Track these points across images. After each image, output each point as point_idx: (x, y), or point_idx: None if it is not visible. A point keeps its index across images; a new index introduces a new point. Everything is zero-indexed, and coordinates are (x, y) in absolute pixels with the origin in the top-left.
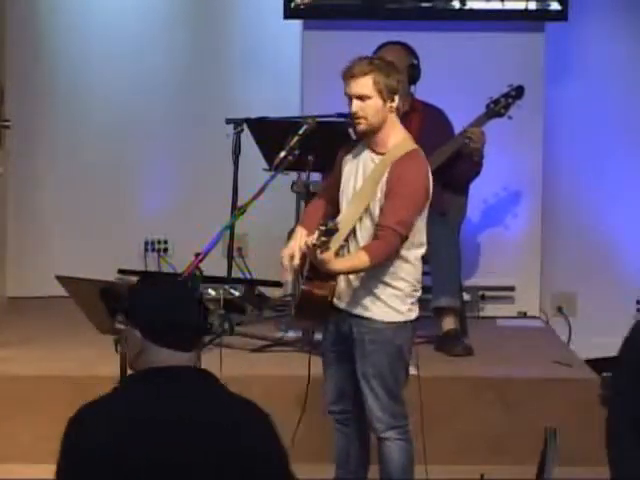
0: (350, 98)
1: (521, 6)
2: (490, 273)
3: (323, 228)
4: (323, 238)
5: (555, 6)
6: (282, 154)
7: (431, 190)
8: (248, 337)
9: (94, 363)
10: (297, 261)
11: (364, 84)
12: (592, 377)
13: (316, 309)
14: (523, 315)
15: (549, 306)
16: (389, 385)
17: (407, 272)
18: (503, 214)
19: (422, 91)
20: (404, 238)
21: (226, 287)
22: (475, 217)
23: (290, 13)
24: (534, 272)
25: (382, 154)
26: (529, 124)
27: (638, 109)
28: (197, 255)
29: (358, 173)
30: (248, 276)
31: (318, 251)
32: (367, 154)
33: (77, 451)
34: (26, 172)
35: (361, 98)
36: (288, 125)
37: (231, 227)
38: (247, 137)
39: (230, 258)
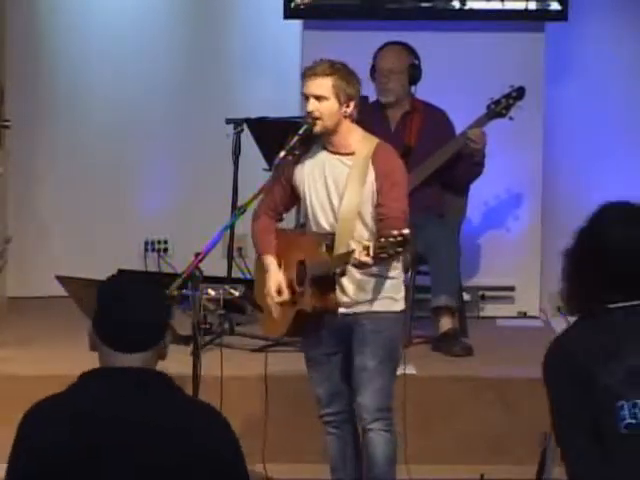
0: (307, 97)
1: (521, 6)
2: (490, 273)
3: (398, 239)
4: (398, 249)
5: (555, 6)
6: (282, 154)
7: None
8: (248, 337)
9: (94, 363)
10: (286, 295)
11: (323, 85)
12: None
13: (318, 321)
14: (523, 315)
15: (549, 306)
16: (385, 376)
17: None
18: (503, 214)
19: (422, 91)
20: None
21: (226, 287)
22: (475, 217)
23: (290, 13)
24: (534, 272)
25: (349, 154)
26: (529, 124)
27: (638, 109)
28: (197, 255)
29: (328, 181)
30: (248, 276)
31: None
32: (331, 158)
33: (33, 447)
34: (26, 172)
35: (318, 98)
36: (288, 125)
37: (231, 227)
38: (247, 137)
39: (230, 258)
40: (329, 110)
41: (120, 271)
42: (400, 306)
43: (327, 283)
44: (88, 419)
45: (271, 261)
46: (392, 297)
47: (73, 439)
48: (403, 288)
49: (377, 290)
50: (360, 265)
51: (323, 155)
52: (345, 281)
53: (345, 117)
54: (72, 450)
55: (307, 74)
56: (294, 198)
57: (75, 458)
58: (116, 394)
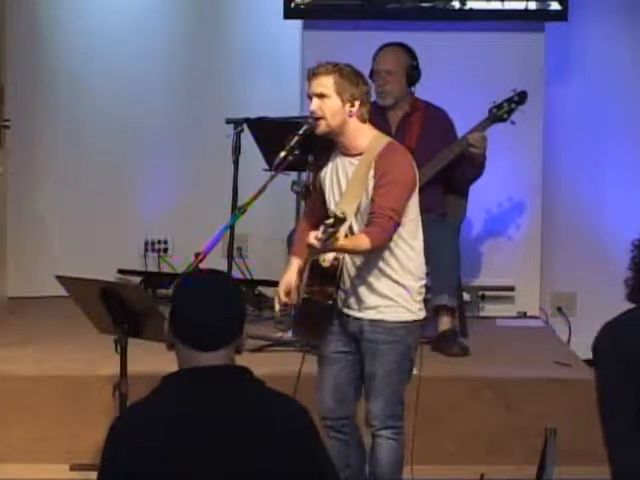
0: (310, 98)
1: (521, 6)
2: (490, 273)
3: (330, 221)
4: (330, 229)
5: (555, 6)
6: (282, 154)
7: (417, 177)
8: (248, 337)
9: (94, 363)
10: (294, 298)
11: (325, 83)
12: (592, 377)
13: (318, 317)
14: (523, 315)
15: (549, 306)
16: (394, 385)
17: (411, 266)
18: (503, 214)
19: (422, 91)
20: (397, 225)
21: None
22: (475, 217)
23: (290, 13)
24: (534, 272)
25: (359, 155)
26: (529, 124)
27: (638, 109)
28: (197, 255)
29: (340, 178)
30: (248, 276)
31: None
32: (343, 160)
33: (124, 454)
34: (26, 172)
35: (320, 96)
36: (288, 125)
37: (231, 227)
38: (247, 137)
39: (230, 258)
40: (331, 108)
41: (120, 271)
42: (415, 316)
43: (323, 276)
44: (184, 423)
45: (293, 263)
46: (404, 306)
47: (170, 444)
48: (421, 299)
49: (389, 296)
50: (317, 250)
51: (338, 159)
52: (354, 282)
53: (350, 117)
54: (169, 456)
55: (310, 74)
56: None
57: (173, 463)
58: (205, 394)
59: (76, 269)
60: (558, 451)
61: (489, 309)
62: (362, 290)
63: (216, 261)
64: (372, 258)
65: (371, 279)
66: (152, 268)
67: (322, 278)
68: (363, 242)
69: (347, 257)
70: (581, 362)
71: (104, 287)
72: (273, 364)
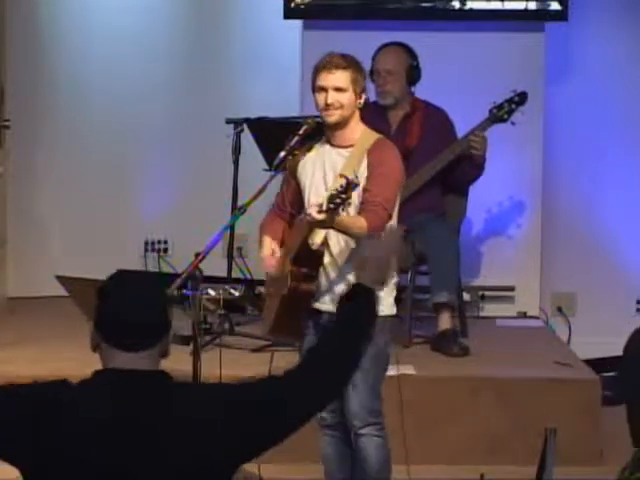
0: (323, 90)
1: (521, 6)
2: (490, 273)
3: (341, 184)
4: (342, 195)
5: (555, 6)
6: (282, 154)
7: (404, 175)
8: (248, 337)
9: (94, 363)
10: (277, 252)
11: (342, 77)
12: (592, 377)
13: (297, 318)
14: (523, 315)
15: (549, 306)
16: (371, 381)
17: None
18: (503, 214)
19: (422, 91)
20: (389, 218)
21: (226, 287)
22: (475, 217)
23: (290, 13)
24: (534, 272)
25: (348, 147)
26: (529, 124)
27: (638, 109)
28: (197, 255)
29: (326, 168)
30: (248, 276)
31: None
32: (331, 151)
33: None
34: (26, 172)
35: (338, 90)
36: (288, 125)
37: (231, 227)
38: (247, 137)
39: (230, 258)
40: (348, 101)
41: (119, 271)
42: (387, 311)
43: (308, 262)
44: (109, 426)
45: (265, 238)
46: (380, 302)
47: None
48: (394, 292)
49: None
50: (318, 223)
51: (324, 149)
52: (333, 276)
53: (358, 108)
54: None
55: (323, 68)
56: (302, 197)
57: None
58: (125, 398)
59: (76, 269)
60: (558, 451)
61: (489, 309)
62: (338, 285)
63: (216, 261)
64: (353, 254)
65: (349, 275)
66: (152, 268)
67: (306, 261)
68: (361, 223)
69: (330, 250)
70: (581, 362)
71: (97, 290)
72: (273, 364)
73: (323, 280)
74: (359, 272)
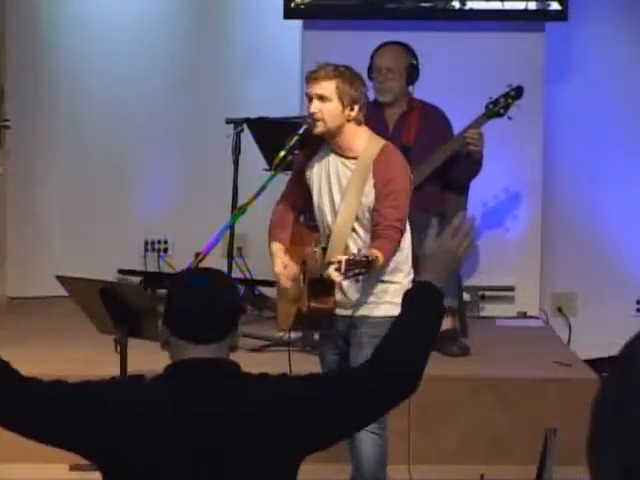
0: (310, 99)
1: (521, 6)
2: (490, 273)
3: (361, 259)
4: (362, 270)
5: (555, 6)
6: (282, 154)
7: (412, 179)
8: (248, 337)
9: (94, 363)
10: (291, 267)
11: (326, 86)
12: (592, 377)
13: (317, 320)
14: (523, 315)
15: (549, 306)
16: None
17: (402, 262)
18: (503, 214)
19: (422, 91)
20: (402, 233)
21: None
22: (475, 217)
23: (290, 13)
24: (534, 272)
25: (354, 158)
26: (529, 124)
27: (638, 109)
28: (197, 255)
29: (332, 182)
30: (248, 276)
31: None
32: (336, 160)
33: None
34: (26, 172)
35: (321, 99)
36: (288, 125)
37: (231, 227)
38: (247, 137)
39: (230, 258)
40: (332, 112)
41: (120, 271)
42: (395, 311)
43: (325, 285)
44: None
45: (276, 247)
46: (392, 302)
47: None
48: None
49: (378, 295)
50: (331, 281)
51: (330, 157)
52: (346, 283)
53: (349, 120)
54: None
55: (310, 77)
56: (310, 193)
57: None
58: (202, 388)
59: (76, 269)
60: (558, 451)
61: (489, 309)
62: (357, 293)
63: (216, 261)
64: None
65: (369, 285)
66: (152, 268)
67: (322, 288)
68: (378, 260)
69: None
70: (581, 362)
71: (104, 287)
72: (273, 364)
73: (343, 292)
74: (424, 268)
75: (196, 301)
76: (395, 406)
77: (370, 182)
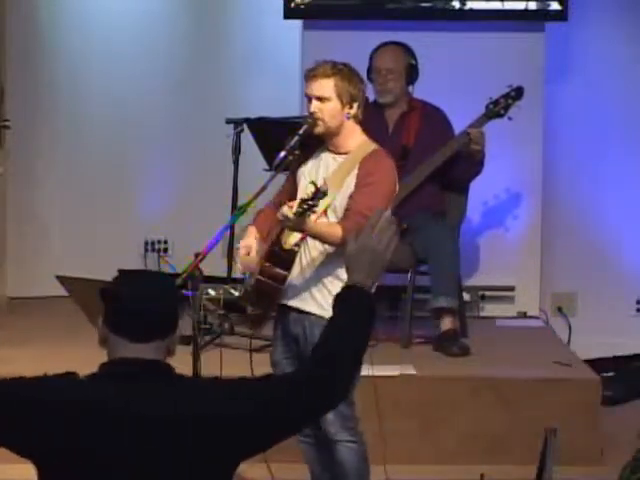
0: (309, 99)
1: (521, 6)
2: (490, 273)
3: (310, 191)
4: (309, 202)
5: (555, 6)
6: (282, 154)
7: (397, 187)
8: (248, 337)
9: (94, 363)
10: (254, 254)
11: (325, 86)
12: (592, 377)
13: (266, 299)
14: (523, 315)
15: (549, 306)
16: None
17: None
18: (503, 214)
19: (422, 91)
20: None
21: (226, 287)
22: (475, 217)
23: (290, 13)
24: (534, 272)
25: (344, 154)
26: (529, 124)
27: (638, 109)
28: (197, 255)
29: (319, 172)
30: (248, 276)
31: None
32: (327, 155)
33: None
34: (26, 172)
35: (320, 99)
36: (288, 125)
37: (231, 227)
38: (247, 137)
39: (230, 258)
40: (331, 111)
41: (120, 271)
42: None
43: (280, 258)
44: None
45: (250, 230)
46: None
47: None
48: None
49: (328, 291)
50: (288, 225)
51: (323, 154)
52: (306, 272)
53: (348, 118)
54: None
55: (309, 75)
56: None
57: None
58: (131, 387)
59: (76, 269)
60: (558, 451)
61: (489, 309)
62: (311, 287)
63: (216, 261)
64: (333, 263)
65: (325, 281)
66: (152, 268)
67: (278, 259)
68: (335, 231)
69: (307, 251)
70: (581, 362)
71: (104, 287)
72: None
73: (295, 279)
74: (349, 270)
75: (138, 299)
76: (318, 414)
77: (354, 173)
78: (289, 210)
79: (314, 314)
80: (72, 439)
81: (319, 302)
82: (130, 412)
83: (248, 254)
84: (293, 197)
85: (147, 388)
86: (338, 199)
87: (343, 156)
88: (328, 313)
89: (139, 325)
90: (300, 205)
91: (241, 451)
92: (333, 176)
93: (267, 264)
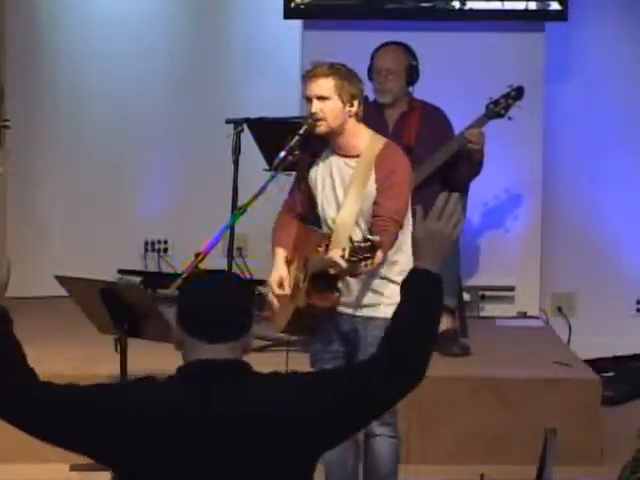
0: (309, 100)
1: (521, 6)
2: (490, 273)
3: (365, 245)
4: (366, 255)
5: (555, 6)
6: (282, 154)
7: (413, 175)
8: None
9: (94, 363)
10: (286, 289)
11: (324, 85)
12: (592, 377)
13: (315, 320)
14: (523, 315)
15: (549, 306)
16: None
17: (405, 262)
18: (503, 214)
19: (422, 91)
20: (401, 226)
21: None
22: (475, 217)
23: (290, 13)
24: (534, 272)
25: (356, 156)
26: (529, 124)
27: (638, 109)
28: (197, 255)
29: (335, 183)
30: (248, 276)
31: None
32: (338, 161)
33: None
34: (26, 172)
35: (321, 99)
36: (288, 125)
37: (231, 227)
38: (247, 137)
39: (230, 258)
40: (333, 110)
41: (120, 271)
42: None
43: (326, 281)
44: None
45: (279, 255)
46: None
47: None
48: None
49: (383, 295)
50: (333, 265)
51: (332, 158)
52: (352, 282)
53: (350, 117)
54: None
55: (307, 76)
56: (313, 199)
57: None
58: (212, 388)
59: (76, 269)
60: (558, 451)
61: (489, 309)
62: (361, 291)
63: (216, 261)
64: (379, 268)
65: (373, 284)
66: (152, 268)
67: (325, 283)
68: (378, 257)
69: None
70: (581, 362)
71: (104, 287)
72: (273, 364)
73: (348, 286)
74: (417, 255)
75: (213, 300)
76: (405, 394)
77: (372, 176)
78: (341, 259)
79: (368, 317)
80: (159, 445)
81: (372, 305)
82: (213, 412)
83: (281, 285)
84: (304, 204)
85: (230, 388)
86: (365, 206)
87: (355, 159)
88: (382, 313)
89: (218, 326)
90: (353, 255)
91: (315, 448)
92: (352, 186)
93: (312, 286)
